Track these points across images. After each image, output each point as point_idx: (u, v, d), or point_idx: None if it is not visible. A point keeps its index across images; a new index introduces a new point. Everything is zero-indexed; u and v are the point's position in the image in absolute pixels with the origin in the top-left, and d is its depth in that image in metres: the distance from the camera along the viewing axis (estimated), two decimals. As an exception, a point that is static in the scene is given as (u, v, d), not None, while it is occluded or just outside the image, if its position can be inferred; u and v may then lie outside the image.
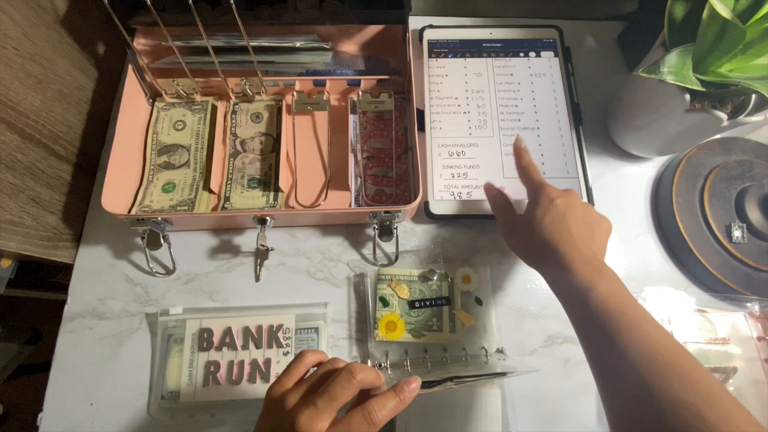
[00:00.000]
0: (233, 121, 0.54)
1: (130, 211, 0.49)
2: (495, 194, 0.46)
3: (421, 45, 0.59)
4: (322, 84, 0.54)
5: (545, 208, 0.39)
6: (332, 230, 0.51)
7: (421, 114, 0.54)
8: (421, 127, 0.53)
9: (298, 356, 0.34)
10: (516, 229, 0.43)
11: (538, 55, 0.58)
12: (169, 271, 0.49)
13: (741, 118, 0.42)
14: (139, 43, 0.52)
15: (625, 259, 0.51)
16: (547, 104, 0.55)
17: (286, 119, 0.54)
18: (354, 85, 0.54)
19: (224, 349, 0.45)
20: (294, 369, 0.33)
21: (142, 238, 0.46)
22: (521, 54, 0.58)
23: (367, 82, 0.54)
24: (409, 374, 0.43)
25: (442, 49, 0.58)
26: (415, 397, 0.32)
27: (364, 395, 0.33)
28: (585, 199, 0.51)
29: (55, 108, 0.47)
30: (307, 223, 0.51)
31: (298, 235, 0.51)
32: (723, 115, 0.42)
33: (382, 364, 0.44)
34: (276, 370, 0.45)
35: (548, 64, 0.58)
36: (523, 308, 0.49)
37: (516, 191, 0.50)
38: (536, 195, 0.41)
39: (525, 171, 0.44)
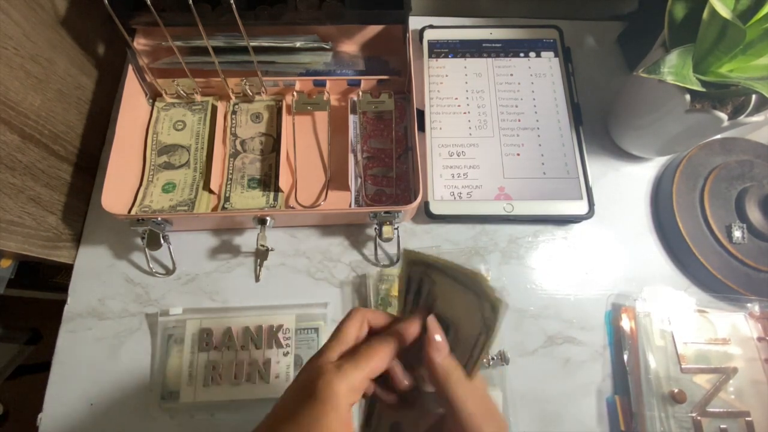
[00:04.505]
0: (233, 121, 0.54)
1: (130, 211, 0.49)
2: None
3: (421, 45, 0.59)
4: (322, 84, 0.54)
5: None
6: (332, 230, 0.51)
7: (421, 114, 0.54)
8: (421, 127, 0.53)
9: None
10: None
11: (538, 55, 0.58)
12: (169, 272, 0.49)
13: (741, 118, 0.42)
14: (139, 43, 0.52)
15: (625, 259, 0.51)
16: (547, 104, 0.55)
17: (286, 119, 0.54)
18: (354, 85, 0.54)
19: (224, 349, 0.45)
20: None
21: (142, 238, 0.46)
22: (521, 54, 0.58)
23: (367, 82, 0.54)
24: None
25: (442, 49, 0.58)
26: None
27: None
28: (585, 199, 0.51)
29: (55, 108, 0.47)
30: (307, 223, 0.51)
31: (298, 235, 0.51)
32: (723, 116, 0.42)
33: None
34: (276, 370, 0.45)
35: (548, 64, 0.58)
36: (524, 308, 0.49)
37: (517, 192, 0.51)
38: None
39: (446, 380, 0.26)
